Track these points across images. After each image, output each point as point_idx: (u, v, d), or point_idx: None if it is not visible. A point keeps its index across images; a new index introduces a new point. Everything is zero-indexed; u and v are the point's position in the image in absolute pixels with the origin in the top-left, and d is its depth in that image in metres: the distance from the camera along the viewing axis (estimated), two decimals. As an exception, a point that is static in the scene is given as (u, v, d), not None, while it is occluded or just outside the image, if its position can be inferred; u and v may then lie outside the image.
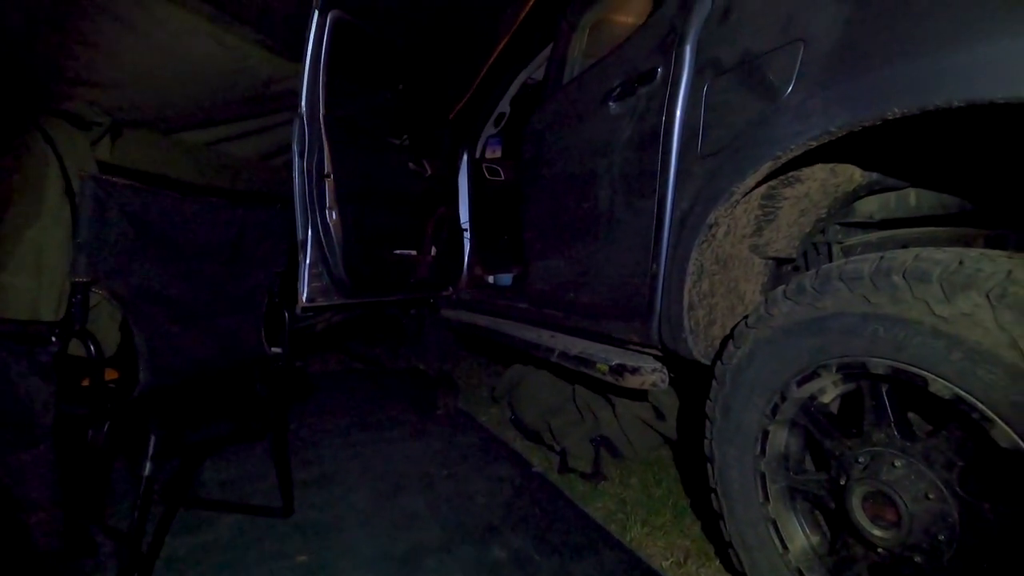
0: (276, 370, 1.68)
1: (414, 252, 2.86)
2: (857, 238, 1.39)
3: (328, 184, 2.31)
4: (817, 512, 1.15)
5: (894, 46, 0.90)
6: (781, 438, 1.14)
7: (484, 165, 3.44)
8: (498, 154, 3.66)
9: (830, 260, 1.41)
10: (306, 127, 2.24)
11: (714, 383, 1.26)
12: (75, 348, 1.20)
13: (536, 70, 2.99)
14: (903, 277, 0.89)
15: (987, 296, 0.79)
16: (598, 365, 1.69)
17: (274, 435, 1.73)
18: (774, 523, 1.14)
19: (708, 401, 1.28)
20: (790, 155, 1.07)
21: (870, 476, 0.97)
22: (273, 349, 1.67)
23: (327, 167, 2.31)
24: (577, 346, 1.89)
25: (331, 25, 2.26)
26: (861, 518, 0.98)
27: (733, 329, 1.23)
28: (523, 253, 2.28)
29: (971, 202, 1.18)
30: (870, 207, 1.32)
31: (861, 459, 0.99)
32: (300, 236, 2.27)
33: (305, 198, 2.25)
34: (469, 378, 3.45)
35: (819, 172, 1.23)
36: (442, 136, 3.18)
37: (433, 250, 2.96)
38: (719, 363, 1.25)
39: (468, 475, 2.02)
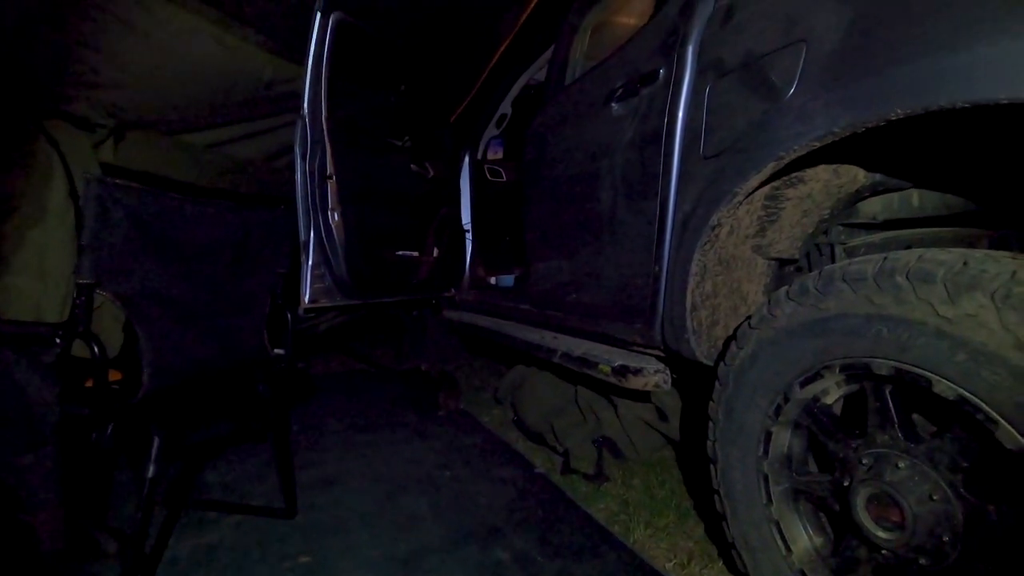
0: (278, 371, 1.69)
1: (416, 253, 2.86)
2: (860, 239, 1.38)
3: (330, 185, 2.32)
4: (820, 513, 1.15)
5: (897, 47, 0.90)
6: (784, 439, 1.14)
7: (486, 166, 3.45)
8: (500, 155, 3.66)
9: (833, 261, 1.41)
10: (308, 128, 2.24)
11: (717, 384, 1.26)
12: (78, 349, 1.21)
13: (538, 71, 3.00)
14: (907, 278, 0.88)
15: (992, 297, 0.79)
16: (601, 366, 1.69)
17: (276, 436, 1.74)
18: (777, 524, 1.14)
19: (711, 402, 1.28)
20: (793, 156, 1.07)
21: (874, 477, 0.96)
22: (276, 350, 1.67)
23: (329, 168, 2.31)
24: (579, 347, 1.89)
25: (333, 27, 2.27)
26: (865, 519, 0.98)
27: (736, 330, 1.22)
28: (525, 254, 2.28)
29: (975, 203, 1.17)
30: (873, 208, 1.31)
31: (865, 460, 0.99)
32: (302, 237, 2.27)
33: (307, 199, 2.26)
34: (471, 379, 3.45)
35: (822, 173, 1.23)
36: (444, 137, 3.18)
37: (435, 251, 2.96)
38: (722, 364, 1.25)
39: (470, 476, 2.02)
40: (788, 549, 1.12)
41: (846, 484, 1.01)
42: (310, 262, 2.30)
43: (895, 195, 1.28)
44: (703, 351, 1.42)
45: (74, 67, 2.19)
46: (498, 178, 3.50)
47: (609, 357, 1.71)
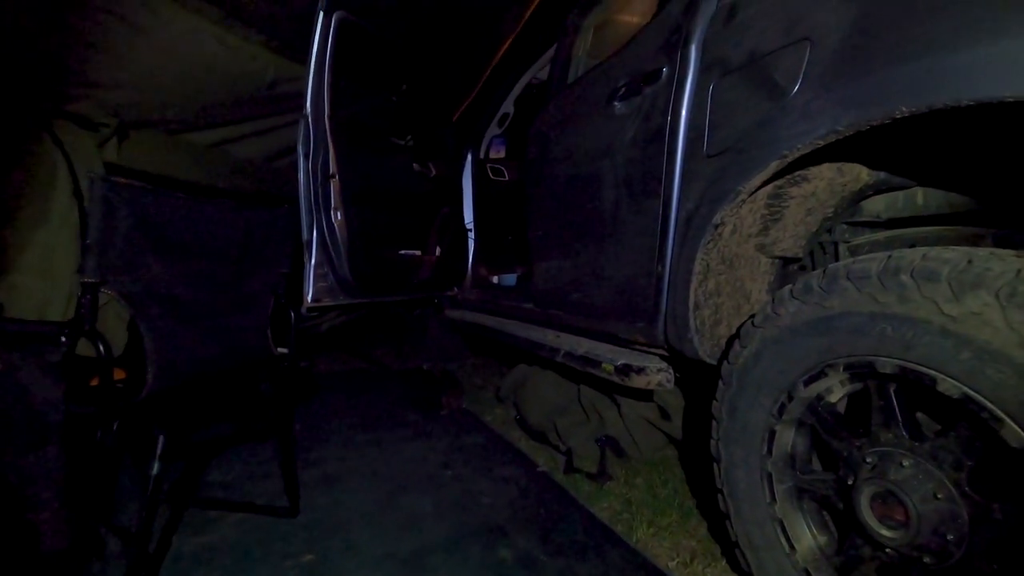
0: (282, 370, 1.69)
1: (418, 252, 2.87)
2: (864, 237, 1.38)
3: (333, 185, 2.32)
4: (824, 512, 1.15)
5: (900, 45, 0.90)
6: (788, 438, 1.14)
7: (488, 165, 3.45)
8: (502, 154, 3.66)
9: (837, 259, 1.41)
10: (311, 128, 2.24)
11: (720, 383, 1.26)
12: (82, 348, 1.21)
13: (540, 70, 3.00)
14: (911, 276, 0.88)
15: (996, 295, 0.79)
16: (603, 365, 1.68)
17: (279, 435, 1.74)
18: (781, 523, 1.14)
19: (714, 401, 1.28)
20: (797, 154, 1.07)
21: (878, 476, 0.96)
22: (279, 349, 1.68)
23: (332, 168, 2.31)
24: (582, 346, 1.89)
25: (336, 26, 2.27)
26: (869, 518, 0.98)
27: (739, 329, 1.22)
28: (527, 253, 2.28)
29: (979, 201, 1.17)
30: (877, 206, 1.31)
31: (869, 459, 0.99)
32: (305, 236, 2.27)
33: (310, 199, 2.26)
34: (474, 378, 3.45)
35: (826, 171, 1.23)
36: (446, 136, 3.18)
37: (437, 250, 2.96)
38: (725, 363, 1.25)
39: (473, 475, 2.02)
40: (792, 548, 1.12)
41: (850, 483, 1.01)
42: (313, 261, 2.30)
43: (899, 193, 1.28)
44: (706, 350, 1.42)
45: (78, 67, 2.19)
46: (500, 177, 3.50)
47: (612, 356, 1.71)
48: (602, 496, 1.87)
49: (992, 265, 0.81)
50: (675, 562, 1.48)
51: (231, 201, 1.56)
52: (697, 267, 1.34)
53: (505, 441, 2.40)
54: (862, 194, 1.27)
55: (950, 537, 0.88)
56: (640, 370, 1.59)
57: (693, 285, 1.36)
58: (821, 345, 1.02)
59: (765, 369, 1.13)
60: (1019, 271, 0.78)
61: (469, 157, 3.28)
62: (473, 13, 3.04)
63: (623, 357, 1.68)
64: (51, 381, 1.14)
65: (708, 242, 1.31)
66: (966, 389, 0.82)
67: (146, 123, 2.58)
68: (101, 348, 1.18)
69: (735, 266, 1.41)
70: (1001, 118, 0.86)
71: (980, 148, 1.06)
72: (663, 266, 1.44)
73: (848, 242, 1.39)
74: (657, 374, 1.58)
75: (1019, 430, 0.77)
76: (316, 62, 2.24)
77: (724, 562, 1.46)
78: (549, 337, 2.11)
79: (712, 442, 1.29)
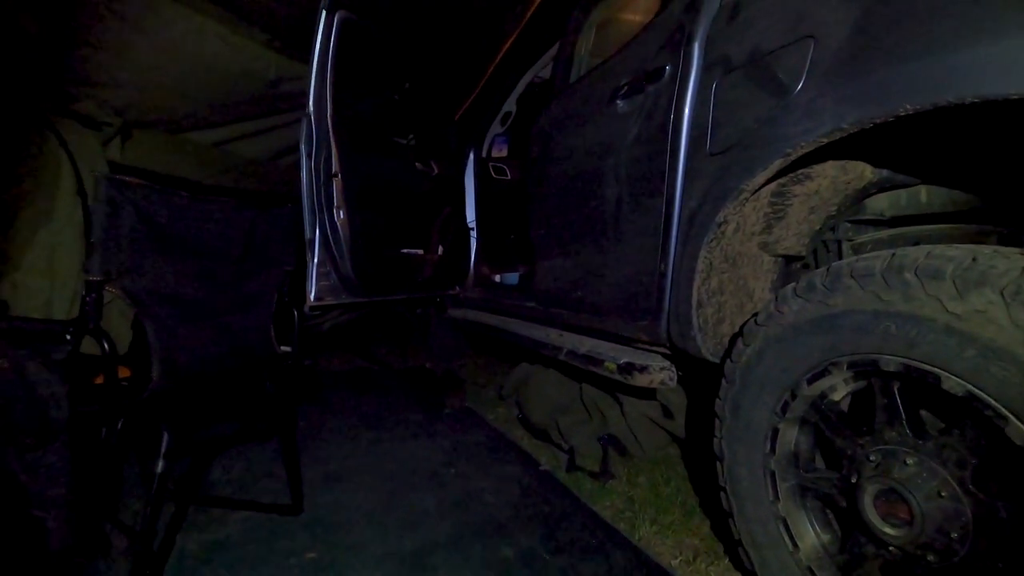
0: (285, 369, 1.69)
1: (421, 251, 2.87)
2: (867, 235, 1.38)
3: (336, 184, 2.32)
4: (828, 510, 1.15)
5: (905, 42, 0.89)
6: (791, 436, 1.14)
7: (490, 164, 3.45)
8: (504, 153, 3.66)
9: (840, 258, 1.40)
10: (314, 127, 2.25)
11: (723, 381, 1.26)
12: (87, 346, 1.22)
13: (543, 69, 2.99)
14: (915, 274, 0.88)
15: (1001, 293, 0.79)
16: (606, 363, 1.69)
17: (283, 434, 1.74)
18: (784, 521, 1.14)
19: (717, 399, 1.28)
20: (800, 152, 1.07)
21: (882, 474, 0.96)
22: (282, 348, 1.68)
23: (334, 167, 2.31)
24: (585, 344, 1.89)
25: (338, 25, 2.27)
26: (873, 516, 0.98)
27: (742, 327, 1.22)
28: (530, 252, 2.28)
29: (983, 199, 1.17)
30: (881, 204, 1.31)
31: (873, 457, 0.99)
32: (308, 235, 2.28)
33: (313, 198, 2.26)
34: (476, 377, 3.45)
35: (829, 169, 1.23)
36: (448, 135, 3.18)
37: (440, 249, 2.96)
38: (728, 361, 1.25)
39: (476, 474, 2.02)
40: (795, 546, 1.12)
41: (854, 481, 1.01)
42: (315, 260, 2.31)
43: (903, 191, 1.27)
44: (709, 348, 1.42)
45: (81, 66, 2.20)
46: (503, 176, 3.50)
47: (615, 354, 1.71)
48: (605, 494, 1.87)
49: (996, 263, 0.81)
50: (678, 560, 1.48)
51: (234, 200, 1.56)
52: (700, 265, 1.34)
53: (507, 440, 2.40)
54: (866, 192, 1.27)
55: (954, 535, 0.88)
56: (643, 368, 1.59)
57: (696, 283, 1.35)
58: (825, 343, 1.02)
59: (768, 367, 1.13)
60: (1024, 269, 0.78)
61: (471, 156, 3.27)
62: (475, 11, 3.03)
63: (626, 355, 1.68)
64: (56, 379, 1.14)
65: (711, 240, 1.31)
66: (970, 387, 0.82)
67: (149, 122, 2.58)
68: (106, 346, 1.18)
69: (738, 264, 1.40)
70: (1005, 116, 0.86)
71: (984, 146, 1.06)
72: (666, 264, 1.44)
73: (851, 240, 1.39)
74: (660, 372, 1.58)
75: (1024, 428, 0.77)
76: (318, 61, 2.24)
77: (727, 560, 1.46)
78: (552, 336, 2.11)
79: (715, 440, 1.29)
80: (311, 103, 2.24)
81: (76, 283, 2.07)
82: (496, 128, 3.34)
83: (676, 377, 1.60)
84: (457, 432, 2.48)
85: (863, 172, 1.23)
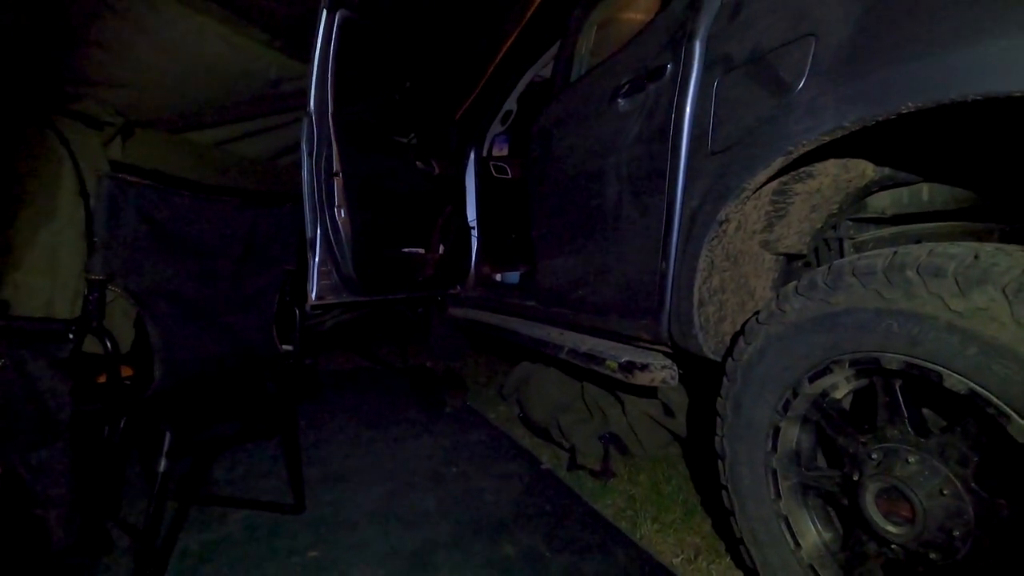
0: (286, 368, 1.70)
1: (422, 250, 2.87)
2: (869, 234, 1.38)
3: (337, 183, 2.33)
4: (829, 509, 1.15)
5: (907, 40, 0.89)
6: (793, 434, 1.14)
7: (491, 163, 3.45)
8: (505, 152, 3.66)
9: (842, 256, 1.40)
10: (315, 126, 2.25)
11: (725, 380, 1.26)
12: (89, 345, 1.22)
13: (543, 68, 2.99)
14: (917, 272, 0.88)
15: (1003, 290, 0.79)
16: (607, 362, 1.69)
17: (284, 433, 1.75)
18: (786, 519, 1.14)
19: (718, 398, 1.28)
20: (802, 150, 1.07)
21: (884, 472, 0.96)
22: (283, 347, 1.68)
23: (335, 166, 2.32)
24: (586, 343, 1.89)
25: (339, 24, 2.27)
26: (874, 514, 0.98)
27: (744, 325, 1.22)
28: (531, 251, 2.28)
29: (985, 197, 1.17)
30: (882, 202, 1.31)
31: (874, 455, 0.99)
32: (309, 234, 2.28)
33: (314, 197, 2.27)
34: (477, 376, 3.45)
35: (831, 167, 1.23)
36: (449, 134, 3.18)
37: (441, 248, 2.97)
38: (730, 359, 1.25)
39: (477, 472, 2.03)
40: (797, 544, 1.12)
41: (855, 479, 1.01)
42: (316, 259, 2.31)
43: (904, 189, 1.27)
44: (710, 347, 1.42)
45: (83, 66, 2.20)
46: (503, 175, 3.50)
47: (616, 353, 1.71)
48: (606, 493, 1.87)
49: (999, 260, 0.81)
50: (679, 558, 1.48)
51: (235, 199, 1.56)
52: (701, 264, 1.34)
53: (509, 438, 2.41)
54: (867, 190, 1.27)
55: (956, 533, 0.88)
56: (644, 367, 1.59)
57: (697, 282, 1.35)
58: (826, 341, 1.02)
59: (770, 366, 1.13)
60: (1026, 266, 0.78)
61: (472, 155, 3.27)
62: (476, 10, 3.03)
63: (627, 354, 1.68)
64: (59, 378, 1.14)
65: (712, 239, 1.31)
66: (973, 385, 0.82)
67: (151, 121, 2.59)
68: (108, 345, 1.18)
69: (739, 263, 1.40)
70: (1008, 113, 0.85)
71: (986, 143, 1.06)
72: (667, 263, 1.44)
73: (853, 238, 1.39)
74: (661, 371, 1.58)
75: (1026, 426, 0.77)
76: (319, 60, 2.24)
77: (728, 558, 1.46)
78: (553, 334, 2.11)
79: (716, 439, 1.29)
80: (312, 102, 2.25)
81: (78, 282, 2.07)
82: (497, 127, 3.34)
83: (677, 376, 1.60)
84: (458, 431, 2.49)
85: (865, 170, 1.23)
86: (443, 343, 3.34)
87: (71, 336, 1.18)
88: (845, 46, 0.99)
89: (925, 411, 1.01)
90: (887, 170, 1.22)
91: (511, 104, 3.23)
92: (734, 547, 1.31)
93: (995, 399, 0.79)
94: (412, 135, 2.84)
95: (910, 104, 0.87)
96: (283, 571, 1.39)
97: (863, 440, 1.01)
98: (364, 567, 1.41)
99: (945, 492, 0.89)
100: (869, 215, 1.33)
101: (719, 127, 1.28)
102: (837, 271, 1.02)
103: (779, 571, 1.16)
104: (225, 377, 1.55)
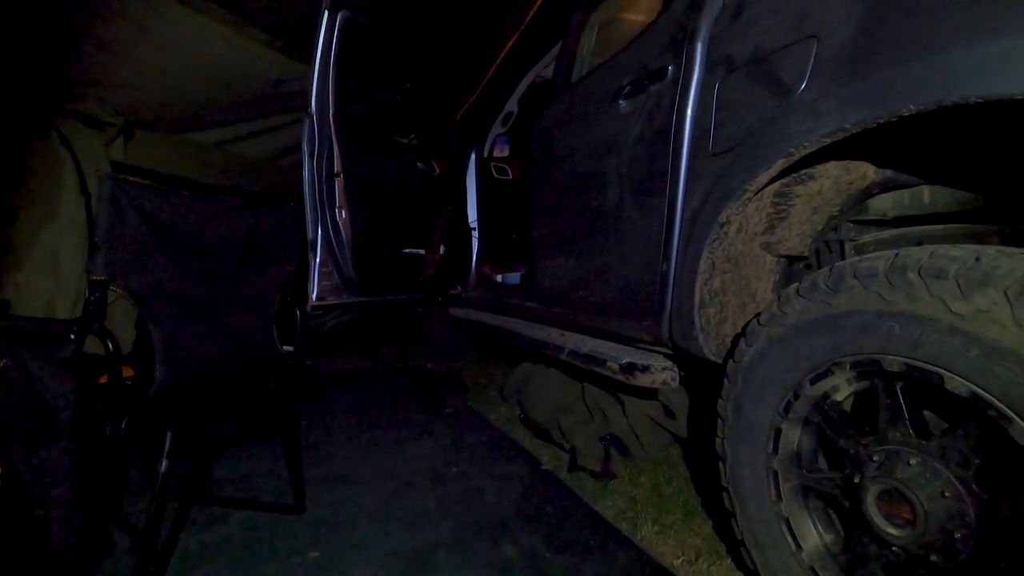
0: (287, 368, 1.70)
1: (423, 251, 2.87)
2: (870, 236, 1.38)
3: (337, 183, 2.33)
4: (831, 510, 1.15)
5: (909, 42, 0.89)
6: (794, 436, 1.14)
7: (492, 164, 3.45)
8: (506, 153, 3.66)
9: (843, 258, 1.40)
10: (316, 127, 2.25)
11: (726, 381, 1.26)
12: (91, 345, 1.22)
13: (544, 69, 3.00)
14: (919, 274, 0.88)
15: (1005, 293, 0.78)
16: (608, 363, 1.68)
17: (285, 433, 1.75)
18: (787, 521, 1.14)
19: (719, 399, 1.28)
20: (803, 152, 1.07)
21: (885, 474, 0.96)
22: (284, 348, 1.68)
23: (337, 166, 2.32)
24: (587, 344, 1.89)
25: (340, 25, 2.28)
26: (876, 516, 0.98)
27: (745, 327, 1.22)
28: (531, 252, 2.28)
29: (986, 199, 1.17)
30: (883, 204, 1.31)
31: (876, 457, 0.99)
32: (310, 235, 2.28)
33: (315, 197, 2.27)
34: (477, 376, 3.45)
35: (832, 169, 1.23)
36: (450, 135, 3.19)
37: (441, 249, 2.97)
38: (731, 361, 1.25)
39: (478, 473, 2.03)
40: (798, 546, 1.12)
41: (856, 481, 1.01)
42: (317, 260, 2.31)
43: (905, 191, 1.27)
44: (711, 348, 1.42)
45: (84, 66, 2.21)
46: (504, 176, 3.50)
47: (616, 354, 1.71)
48: (606, 494, 1.87)
49: (1000, 263, 0.81)
50: (680, 560, 1.48)
51: (236, 200, 1.56)
52: (702, 265, 1.34)
53: (509, 439, 2.40)
54: (868, 192, 1.27)
55: (957, 535, 0.88)
56: (645, 368, 1.59)
57: (698, 283, 1.35)
58: (827, 343, 1.02)
59: (771, 367, 1.13)
60: (1028, 269, 0.78)
61: (473, 156, 3.27)
62: (477, 11, 3.04)
63: (628, 355, 1.68)
64: (60, 378, 1.15)
65: (714, 240, 1.31)
66: (974, 387, 0.82)
67: (152, 122, 2.59)
68: (110, 345, 1.18)
69: (741, 264, 1.40)
70: (1009, 116, 0.85)
71: (987, 146, 1.05)
72: (668, 264, 1.44)
73: (854, 240, 1.39)
74: (662, 372, 1.58)
75: (1027, 428, 0.77)
76: (320, 61, 2.25)
77: (729, 560, 1.46)
78: (553, 335, 2.11)
79: (717, 440, 1.29)
80: (313, 103, 2.25)
81: (79, 283, 2.07)
82: (498, 128, 3.34)
83: (678, 377, 1.60)
84: (458, 431, 2.49)
85: (866, 172, 1.23)
86: (443, 344, 3.34)
87: (73, 336, 1.18)
88: (846, 48, 0.99)
89: (926, 413, 1.01)
90: (888, 172, 1.22)
91: (512, 105, 3.23)
92: (735, 549, 1.31)
93: (996, 401, 0.79)
94: (413, 136, 2.84)
95: (911, 106, 0.87)
96: (283, 571, 1.39)
97: (864, 442, 1.01)
98: (364, 567, 1.41)
99: (946, 494, 0.89)
100: (870, 217, 1.33)
101: (720, 128, 1.29)
102: (838, 273, 1.02)
103: (780, 573, 1.16)
104: (226, 377, 1.55)
